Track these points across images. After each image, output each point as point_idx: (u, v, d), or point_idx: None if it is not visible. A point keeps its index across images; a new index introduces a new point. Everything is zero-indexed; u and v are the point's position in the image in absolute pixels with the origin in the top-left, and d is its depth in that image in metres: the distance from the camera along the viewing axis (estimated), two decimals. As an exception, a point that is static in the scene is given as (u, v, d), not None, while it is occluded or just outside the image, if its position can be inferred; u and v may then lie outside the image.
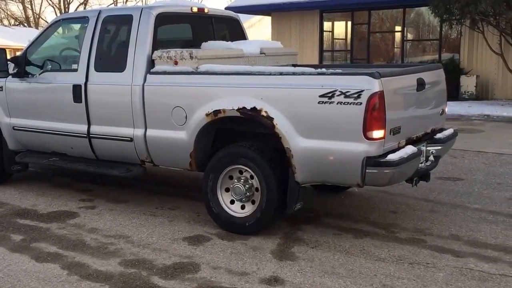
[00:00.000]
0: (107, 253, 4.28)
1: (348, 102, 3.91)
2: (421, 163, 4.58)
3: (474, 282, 3.68)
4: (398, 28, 17.77)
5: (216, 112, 4.48)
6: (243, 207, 4.60)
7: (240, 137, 4.74)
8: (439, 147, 4.82)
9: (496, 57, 14.20)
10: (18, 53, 5.98)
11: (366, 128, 3.88)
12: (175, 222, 5.00)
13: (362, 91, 3.87)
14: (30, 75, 5.75)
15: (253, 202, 4.55)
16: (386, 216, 5.11)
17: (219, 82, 4.56)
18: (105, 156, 5.39)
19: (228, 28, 6.17)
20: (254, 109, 4.30)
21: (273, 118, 4.22)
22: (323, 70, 4.43)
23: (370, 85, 3.87)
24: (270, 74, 4.36)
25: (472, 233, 4.63)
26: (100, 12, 5.35)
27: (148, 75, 4.87)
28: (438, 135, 4.94)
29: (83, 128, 5.32)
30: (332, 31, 19.20)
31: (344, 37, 18.84)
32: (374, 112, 3.86)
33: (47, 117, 5.62)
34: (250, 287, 3.66)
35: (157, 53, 4.89)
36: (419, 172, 4.54)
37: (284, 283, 3.71)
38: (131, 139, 5.00)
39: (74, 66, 5.43)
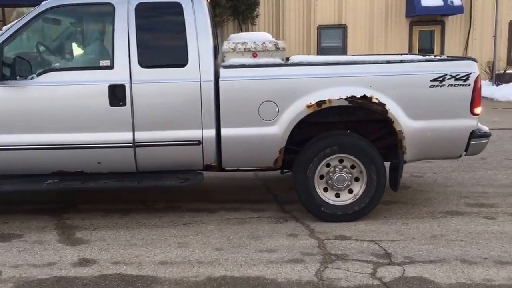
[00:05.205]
0: None
1: (458, 84, 4.57)
2: None
3: (238, 226, 4.73)
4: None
5: (320, 102, 4.53)
6: (337, 195, 4.76)
7: (320, 128, 4.83)
8: None
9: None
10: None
11: (473, 106, 4.62)
12: None
13: (470, 74, 4.58)
14: (18, 77, 4.45)
15: (350, 191, 4.76)
16: (138, 194, 5.70)
17: (319, 72, 4.63)
18: (151, 166, 4.76)
19: None
20: (364, 97, 4.53)
21: (385, 104, 4.54)
22: (431, 57, 5.14)
23: (474, 68, 4.63)
24: (377, 62, 4.72)
25: (212, 193, 5.67)
26: None
27: (221, 69, 4.57)
28: None
29: (124, 136, 4.56)
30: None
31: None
32: (478, 91, 4.63)
33: (53, 129, 4.55)
34: (68, 273, 3.79)
35: (229, 44, 4.71)
36: None
37: (97, 261, 3.97)
38: (199, 142, 4.58)
39: (104, 63, 4.55)
